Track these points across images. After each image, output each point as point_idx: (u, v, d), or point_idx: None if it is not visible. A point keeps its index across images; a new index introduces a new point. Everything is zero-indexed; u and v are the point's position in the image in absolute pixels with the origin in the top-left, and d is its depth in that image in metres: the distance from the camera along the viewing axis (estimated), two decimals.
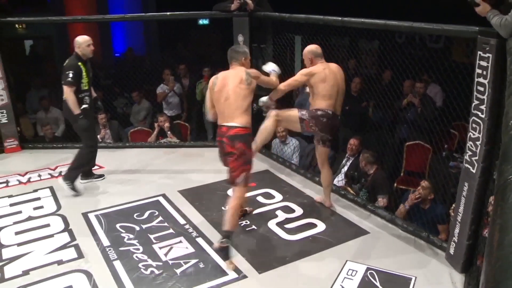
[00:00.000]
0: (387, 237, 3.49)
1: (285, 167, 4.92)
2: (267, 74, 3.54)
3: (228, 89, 3.13)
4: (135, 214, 3.86)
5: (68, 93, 4.08)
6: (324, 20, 4.11)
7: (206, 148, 5.61)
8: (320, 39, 5.12)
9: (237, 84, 3.13)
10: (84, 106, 4.18)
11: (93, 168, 4.68)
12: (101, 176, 4.68)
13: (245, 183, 3.18)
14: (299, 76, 3.55)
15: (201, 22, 10.05)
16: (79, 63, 4.14)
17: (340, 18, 3.90)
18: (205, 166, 4.95)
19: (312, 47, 3.64)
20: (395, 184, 4.95)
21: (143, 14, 5.98)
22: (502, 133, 1.35)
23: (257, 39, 5.35)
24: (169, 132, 5.90)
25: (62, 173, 4.81)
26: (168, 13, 5.31)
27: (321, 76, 3.50)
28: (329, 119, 3.52)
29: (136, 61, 8.24)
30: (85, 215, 3.85)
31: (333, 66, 3.63)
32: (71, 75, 4.06)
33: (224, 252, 3.09)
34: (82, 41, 4.19)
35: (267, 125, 3.59)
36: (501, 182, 0.83)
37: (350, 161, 4.79)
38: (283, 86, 3.54)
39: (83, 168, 4.43)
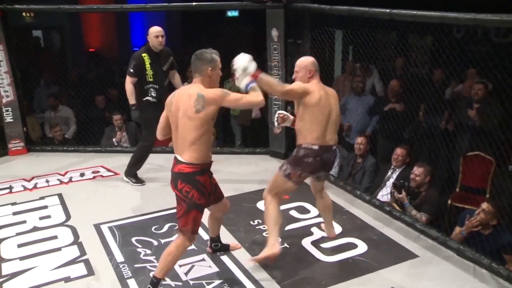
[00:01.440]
0: (439, 262, 3.40)
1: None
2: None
3: (179, 115, 2.84)
4: (153, 227, 3.90)
5: (126, 83, 4.49)
6: (370, 12, 4.08)
7: (233, 155, 5.64)
8: (365, 34, 5.10)
9: (185, 110, 2.80)
10: (147, 98, 4.52)
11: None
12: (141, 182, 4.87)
13: (191, 230, 2.90)
14: (297, 86, 3.23)
15: (230, 14, 10.15)
16: (143, 54, 4.51)
17: (388, 11, 3.86)
18: (232, 175, 4.96)
19: (313, 59, 3.35)
20: (449, 201, 4.83)
21: (166, 4, 6.07)
22: None
23: (293, 34, 5.36)
24: None
25: (72, 179, 4.94)
26: (193, 3, 5.38)
27: (317, 97, 3.19)
28: (317, 156, 3.22)
29: None
30: (97, 227, 3.92)
31: (329, 89, 3.38)
32: (131, 65, 4.47)
33: None
34: (152, 31, 4.53)
35: (270, 213, 3.28)
36: None
37: (397, 173, 4.71)
38: (280, 90, 3.18)
39: (143, 162, 4.80)
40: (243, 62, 2.97)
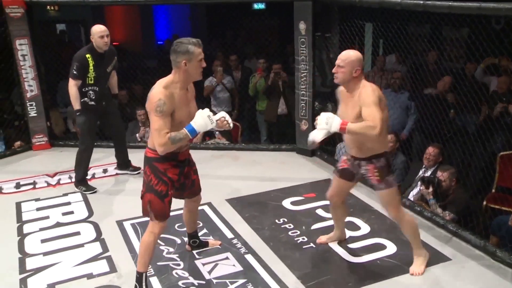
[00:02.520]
0: (474, 267, 3.33)
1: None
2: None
3: None
4: (176, 225, 3.93)
5: (69, 86, 4.40)
6: (402, 4, 4.01)
7: (259, 151, 5.64)
8: (396, 27, 5.03)
9: (148, 103, 2.76)
10: (84, 99, 4.45)
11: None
12: (137, 169, 4.96)
13: (153, 216, 2.95)
14: (379, 107, 2.84)
15: (256, 6, 10.15)
16: (87, 55, 4.40)
17: (421, 2, 3.78)
18: (257, 172, 4.97)
19: (361, 55, 2.99)
20: (485, 203, 4.74)
21: None
22: None
23: (321, 27, 5.33)
24: (217, 132, 5.98)
25: (95, 175, 5.02)
26: None
27: (385, 100, 2.96)
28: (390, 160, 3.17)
29: None
30: (119, 223, 3.98)
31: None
32: (74, 66, 4.37)
33: None
34: (95, 31, 4.43)
35: (408, 222, 3.20)
36: None
37: (429, 173, 4.65)
38: (377, 132, 2.78)
39: (84, 170, 4.69)
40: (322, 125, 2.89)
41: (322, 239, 3.64)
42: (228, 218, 4.04)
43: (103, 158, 5.48)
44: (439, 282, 3.16)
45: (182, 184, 3.07)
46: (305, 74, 5.20)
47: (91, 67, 4.40)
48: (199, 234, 3.69)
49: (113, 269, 3.36)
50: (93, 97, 4.48)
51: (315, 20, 5.08)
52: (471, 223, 4.01)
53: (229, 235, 3.78)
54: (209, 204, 4.28)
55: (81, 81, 4.39)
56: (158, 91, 2.72)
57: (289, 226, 3.88)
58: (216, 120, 2.85)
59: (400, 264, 3.34)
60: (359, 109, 2.88)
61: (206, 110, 2.82)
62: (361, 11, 5.09)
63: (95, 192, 4.61)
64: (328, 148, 5.46)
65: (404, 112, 5.73)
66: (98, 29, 4.42)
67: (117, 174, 5.09)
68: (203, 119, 2.76)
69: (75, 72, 4.36)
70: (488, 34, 4.04)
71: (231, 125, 2.98)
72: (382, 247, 3.57)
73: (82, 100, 4.44)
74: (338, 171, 3.33)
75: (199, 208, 4.17)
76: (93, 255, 3.55)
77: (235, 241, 3.68)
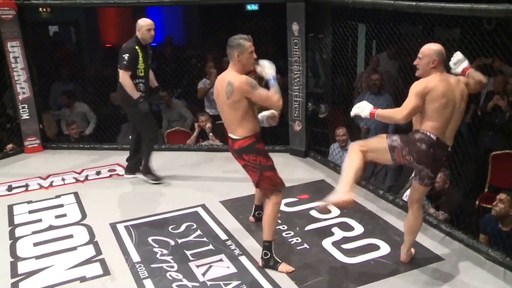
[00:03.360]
0: (467, 266, 3.35)
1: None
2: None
3: (219, 101, 3.25)
4: (170, 227, 3.93)
5: (124, 78, 4.38)
6: (395, 5, 4.03)
7: None
8: (389, 28, 5.05)
9: (222, 95, 3.18)
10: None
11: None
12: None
13: (276, 189, 3.25)
14: (415, 98, 2.93)
15: (249, 7, 10.14)
16: (137, 47, 4.41)
17: (414, 3, 3.81)
18: None
19: (440, 47, 2.99)
20: (477, 202, 4.77)
21: None
22: None
23: (314, 28, 5.34)
24: (211, 134, 5.98)
25: (89, 178, 5.00)
26: None
27: (438, 93, 2.92)
28: (431, 147, 2.97)
29: (176, 52, 8.40)
30: (113, 226, 3.97)
31: (458, 82, 3.04)
32: (126, 58, 4.35)
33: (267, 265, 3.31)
34: (144, 24, 4.43)
35: (353, 160, 3.08)
36: None
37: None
38: (401, 117, 2.94)
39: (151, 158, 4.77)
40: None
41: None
42: (222, 220, 4.04)
43: (97, 160, 5.46)
44: (433, 281, 3.17)
45: None
46: (298, 75, 5.21)
47: (141, 59, 4.42)
48: (193, 235, 3.70)
49: (106, 272, 3.35)
50: (143, 89, 4.51)
51: (308, 21, 5.08)
52: (463, 222, 4.04)
53: (223, 236, 3.77)
54: (203, 206, 4.28)
55: (131, 72, 4.39)
56: (238, 77, 3.11)
57: (283, 227, 3.88)
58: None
59: (394, 265, 3.35)
60: None
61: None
62: (353, 12, 5.10)
63: (161, 183, 4.73)
64: (321, 149, 5.48)
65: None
66: (145, 22, 4.43)
67: (111, 176, 5.07)
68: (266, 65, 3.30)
69: (126, 63, 4.35)
70: (480, 34, 4.06)
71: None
72: (375, 247, 3.58)
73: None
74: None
75: (193, 210, 4.22)
76: (86, 258, 3.53)
77: (229, 242, 3.68)
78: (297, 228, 3.88)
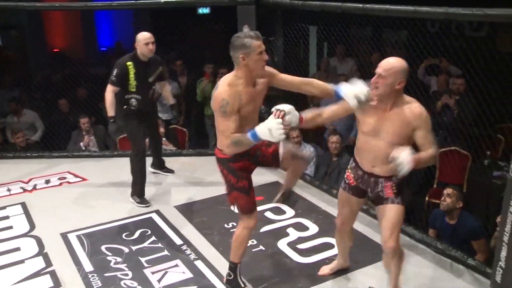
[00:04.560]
0: (417, 260, 3.46)
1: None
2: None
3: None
4: (124, 234, 3.87)
5: (106, 92, 4.23)
6: (343, 7, 4.13)
7: (206, 156, 5.61)
8: (338, 30, 5.16)
9: (213, 102, 2.75)
10: (126, 106, 4.31)
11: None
12: (170, 171, 5.08)
13: (243, 211, 2.98)
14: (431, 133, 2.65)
15: (200, 11, 10.14)
16: (128, 63, 4.23)
17: (361, 5, 3.91)
18: (205, 177, 4.96)
19: (406, 65, 2.60)
20: (427, 198, 4.93)
21: (133, 1, 6.02)
22: None
23: (265, 31, 5.38)
24: (164, 139, 5.92)
25: (37, 187, 4.86)
26: (162, 0, 5.36)
27: None
28: None
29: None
30: (64, 236, 3.87)
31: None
32: (114, 73, 4.21)
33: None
34: (141, 38, 4.25)
35: (398, 262, 2.87)
36: None
37: None
38: (433, 158, 2.66)
39: (143, 176, 4.45)
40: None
41: (324, 270, 3.33)
42: (177, 225, 4.01)
43: (45, 169, 5.31)
44: (385, 276, 3.25)
45: (251, 170, 3.02)
46: None
47: (131, 75, 4.22)
48: (147, 241, 3.67)
49: (57, 284, 3.26)
50: (135, 105, 4.31)
51: (258, 24, 5.12)
52: (414, 218, 4.17)
53: (178, 241, 3.75)
54: (157, 212, 4.24)
55: (119, 88, 4.23)
56: (222, 90, 2.67)
57: None
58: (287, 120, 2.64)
59: (349, 262, 3.42)
60: (409, 128, 2.61)
61: (271, 120, 2.56)
62: (304, 14, 5.18)
63: (148, 206, 4.35)
64: None
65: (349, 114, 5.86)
66: (143, 37, 4.23)
67: (61, 184, 4.95)
68: (263, 128, 2.57)
69: (113, 79, 4.19)
70: (424, 36, 4.22)
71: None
72: (330, 246, 3.64)
73: (124, 107, 4.29)
74: (349, 188, 2.93)
75: (147, 216, 4.17)
76: (35, 271, 3.41)
77: (184, 247, 3.66)
78: (253, 231, 3.89)
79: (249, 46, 2.60)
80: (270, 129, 2.54)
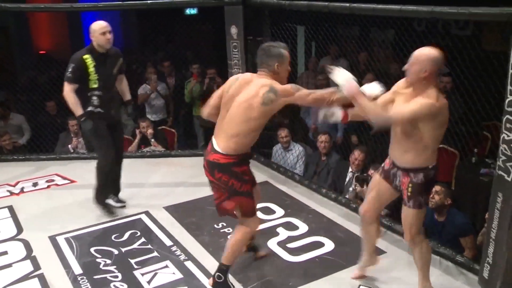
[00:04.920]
0: (407, 257, 3.47)
1: (287, 178, 4.93)
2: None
3: (236, 100, 2.81)
4: (113, 236, 3.86)
5: (66, 91, 3.92)
6: (330, 7, 4.15)
7: (195, 157, 5.60)
8: (326, 30, 5.18)
9: (248, 98, 2.76)
10: (89, 108, 3.99)
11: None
12: (122, 202, 4.36)
13: (246, 215, 2.98)
14: (409, 114, 2.60)
15: (188, 11, 10.12)
16: (85, 56, 3.93)
17: (348, 5, 3.93)
18: (194, 178, 4.95)
19: (438, 55, 2.62)
20: None
21: (120, 2, 6.00)
22: None
23: (253, 31, 5.39)
24: (152, 140, 5.92)
25: (24, 190, 4.82)
26: (149, 1, 5.35)
27: (446, 117, 2.68)
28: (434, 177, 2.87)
29: None
30: (52, 239, 3.84)
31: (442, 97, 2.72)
32: (70, 69, 3.91)
33: None
34: (96, 27, 3.98)
35: (423, 250, 2.93)
36: None
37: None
38: (399, 118, 2.66)
39: (105, 184, 4.21)
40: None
41: (355, 273, 3.27)
42: (166, 226, 4.00)
43: (33, 171, 5.27)
44: (376, 274, 3.27)
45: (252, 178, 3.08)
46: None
47: (91, 69, 3.91)
48: (137, 243, 3.66)
49: (45, 287, 3.24)
50: (97, 104, 3.98)
51: (246, 24, 5.13)
52: None
53: (168, 242, 3.74)
54: (147, 213, 4.23)
55: (78, 85, 3.90)
56: (282, 85, 2.79)
57: (228, 230, 3.89)
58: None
59: (339, 261, 3.44)
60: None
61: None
62: (291, 14, 5.19)
63: (114, 215, 4.19)
64: (264, 151, 5.54)
65: None
66: (98, 26, 3.96)
67: (49, 186, 4.91)
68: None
69: (69, 75, 3.88)
70: (411, 35, 4.24)
71: None
72: (320, 245, 3.66)
73: (87, 110, 3.96)
74: (383, 171, 2.98)
75: (136, 217, 4.16)
76: (23, 274, 3.37)
77: (174, 248, 3.66)
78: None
79: (284, 56, 2.85)
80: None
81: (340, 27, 5.66)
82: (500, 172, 2.89)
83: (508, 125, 2.80)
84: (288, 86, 2.81)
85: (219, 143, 2.83)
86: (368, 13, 3.87)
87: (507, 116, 2.80)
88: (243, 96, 2.79)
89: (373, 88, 2.83)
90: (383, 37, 6.30)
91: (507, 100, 2.79)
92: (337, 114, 2.89)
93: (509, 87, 2.76)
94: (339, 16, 4.70)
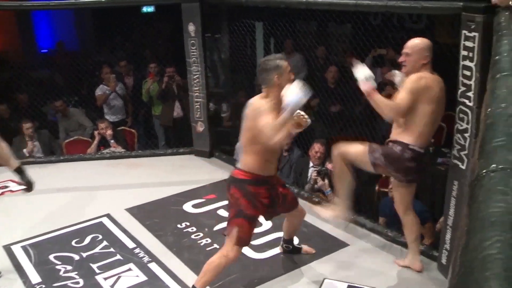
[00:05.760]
0: (369, 248, 3.55)
1: None
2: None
3: (243, 124, 2.87)
4: (74, 241, 3.77)
5: None
6: (286, 2, 4.17)
7: (156, 157, 5.57)
8: (283, 25, 5.21)
9: (245, 120, 2.82)
10: None
11: None
12: None
13: (235, 240, 2.86)
14: (408, 93, 2.77)
15: (144, 9, 9.97)
16: None
17: (304, 0, 3.96)
18: (156, 178, 4.90)
19: (430, 43, 2.85)
20: (377, 187, 5.04)
21: (73, 1, 5.85)
22: (480, 122, 1.41)
23: (210, 28, 5.37)
24: (112, 141, 5.81)
25: None
26: None
27: (435, 94, 2.78)
28: (421, 161, 2.90)
29: (70, 58, 8.04)
30: (7, 248, 3.71)
31: (439, 79, 2.89)
32: None
33: None
34: None
35: (342, 174, 3.06)
36: (473, 179, 0.86)
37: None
38: (398, 112, 2.83)
39: None
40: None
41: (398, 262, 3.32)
42: (129, 228, 3.94)
43: None
44: (340, 268, 3.32)
45: (272, 203, 2.95)
46: (198, 75, 5.21)
47: None
48: (98, 247, 3.58)
49: None
50: None
51: (204, 21, 5.10)
52: (365, 208, 4.27)
53: (131, 245, 3.69)
54: (108, 216, 4.15)
55: None
56: (260, 102, 2.77)
57: (192, 229, 3.87)
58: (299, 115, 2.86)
59: (303, 255, 3.47)
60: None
61: (294, 84, 2.67)
62: (249, 10, 5.20)
63: None
64: (226, 148, 5.53)
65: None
66: None
67: (2, 193, 4.76)
68: (293, 93, 2.62)
69: None
70: (367, 29, 4.32)
71: (308, 121, 2.93)
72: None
73: None
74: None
75: (97, 221, 4.08)
76: None
77: (137, 250, 3.60)
78: (206, 229, 3.88)
79: (281, 66, 2.79)
80: (300, 87, 2.61)
81: (298, 23, 5.70)
82: (455, 161, 2.97)
83: (461, 115, 2.88)
84: (257, 104, 2.76)
85: (242, 161, 2.89)
86: (325, 7, 3.92)
87: (460, 106, 2.88)
88: (245, 118, 2.84)
89: (364, 71, 2.84)
90: (340, 32, 6.38)
91: (459, 91, 2.87)
92: (372, 83, 2.83)
93: (461, 78, 2.84)
94: (296, 11, 4.74)
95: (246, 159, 2.85)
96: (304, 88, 2.62)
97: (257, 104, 2.77)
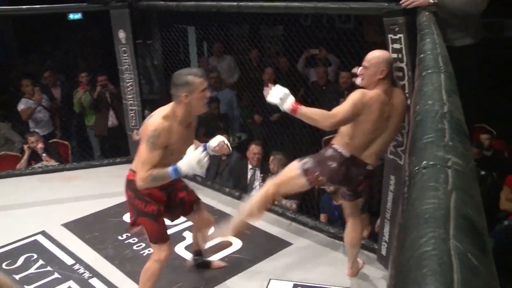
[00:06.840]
0: (312, 246, 3.61)
1: (188, 180, 4.86)
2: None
3: None
4: (5, 264, 3.59)
5: None
6: (218, 6, 4.17)
7: (92, 168, 5.41)
8: (216, 29, 5.21)
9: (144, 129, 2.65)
10: None
11: None
12: None
13: (153, 240, 2.79)
14: (351, 107, 2.63)
15: (71, 16, 9.66)
16: None
17: (235, 3, 3.97)
18: (92, 190, 4.76)
19: (390, 56, 2.78)
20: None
21: None
22: (411, 119, 1.47)
23: (142, 35, 5.28)
24: (44, 154, 5.58)
25: None
26: (24, 6, 5.02)
27: (375, 114, 2.66)
28: (343, 165, 2.76)
29: None
30: None
31: (399, 98, 2.77)
32: None
33: None
34: None
35: (254, 198, 3.02)
36: (406, 176, 0.89)
37: (258, 172, 4.78)
38: (329, 124, 2.65)
39: None
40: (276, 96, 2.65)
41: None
42: (66, 244, 3.80)
43: None
44: (284, 267, 3.35)
45: (168, 200, 2.82)
46: (131, 83, 5.10)
47: None
48: (34, 267, 3.43)
49: None
50: None
51: (134, 28, 5.01)
52: (306, 206, 4.33)
53: (69, 261, 3.55)
54: (43, 233, 3.98)
55: None
56: (156, 121, 2.54)
57: (133, 240, 3.79)
58: (215, 147, 2.73)
59: (247, 257, 3.48)
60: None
61: (198, 153, 2.50)
62: (181, 15, 5.15)
63: None
64: None
65: (230, 107, 5.97)
66: None
67: None
68: (189, 163, 2.49)
69: None
70: (298, 30, 4.40)
71: (230, 148, 2.82)
72: (228, 244, 3.66)
73: None
74: None
75: (31, 239, 3.90)
76: None
77: (76, 266, 3.48)
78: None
79: (192, 83, 2.53)
80: (199, 160, 2.49)
81: (230, 26, 5.72)
82: (392, 157, 3.08)
83: None
84: (148, 133, 2.55)
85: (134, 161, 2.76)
86: (256, 11, 3.97)
87: None
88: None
89: (277, 93, 2.67)
90: (272, 34, 6.47)
91: None
92: (289, 101, 2.64)
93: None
94: (228, 15, 4.75)
95: (139, 166, 2.63)
96: (204, 162, 2.49)
97: (152, 125, 2.54)
